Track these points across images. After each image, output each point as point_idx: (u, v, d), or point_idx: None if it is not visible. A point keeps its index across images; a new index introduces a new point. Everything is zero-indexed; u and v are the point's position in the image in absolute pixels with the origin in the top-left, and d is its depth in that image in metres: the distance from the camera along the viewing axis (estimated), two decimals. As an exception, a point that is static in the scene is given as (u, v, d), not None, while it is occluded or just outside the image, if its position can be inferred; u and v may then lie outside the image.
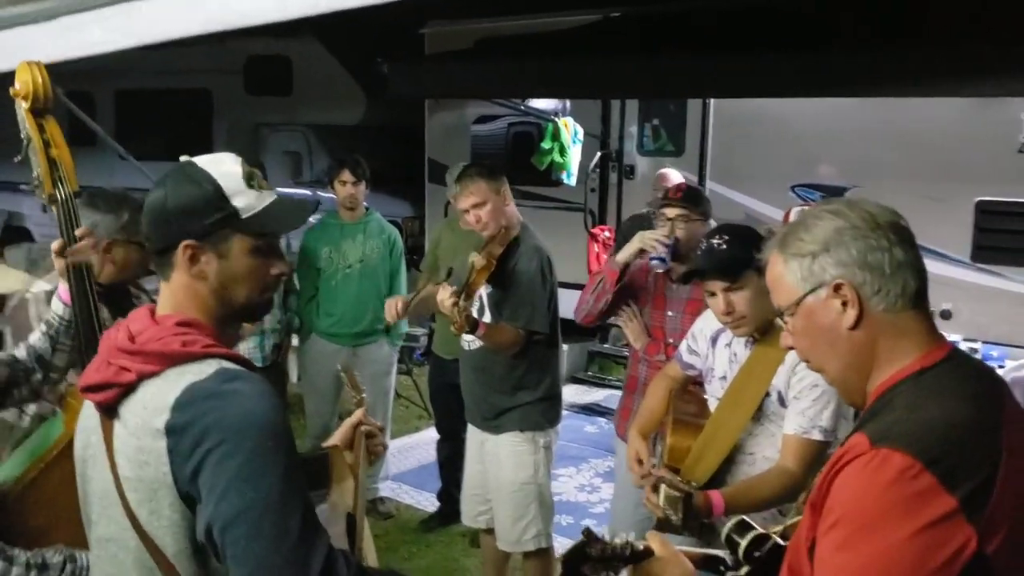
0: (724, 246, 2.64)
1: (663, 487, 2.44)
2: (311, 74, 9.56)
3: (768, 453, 2.62)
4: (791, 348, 1.63)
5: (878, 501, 1.31)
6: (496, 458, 3.76)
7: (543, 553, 3.81)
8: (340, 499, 1.82)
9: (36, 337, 2.39)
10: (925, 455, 1.31)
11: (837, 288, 1.48)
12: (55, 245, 2.35)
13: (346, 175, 5.02)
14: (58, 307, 2.38)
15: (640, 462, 2.88)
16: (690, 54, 4.72)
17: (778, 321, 1.64)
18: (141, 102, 10.23)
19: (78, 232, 2.33)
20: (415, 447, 6.49)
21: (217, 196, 1.52)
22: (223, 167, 1.57)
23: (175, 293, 1.55)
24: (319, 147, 9.97)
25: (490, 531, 3.93)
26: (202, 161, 1.57)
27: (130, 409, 1.45)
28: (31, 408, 2.63)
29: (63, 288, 2.37)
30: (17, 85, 2.31)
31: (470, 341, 3.75)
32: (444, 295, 3.45)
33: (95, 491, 1.54)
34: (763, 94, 5.58)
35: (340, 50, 9.16)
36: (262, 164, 4.88)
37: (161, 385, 1.43)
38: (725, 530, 1.83)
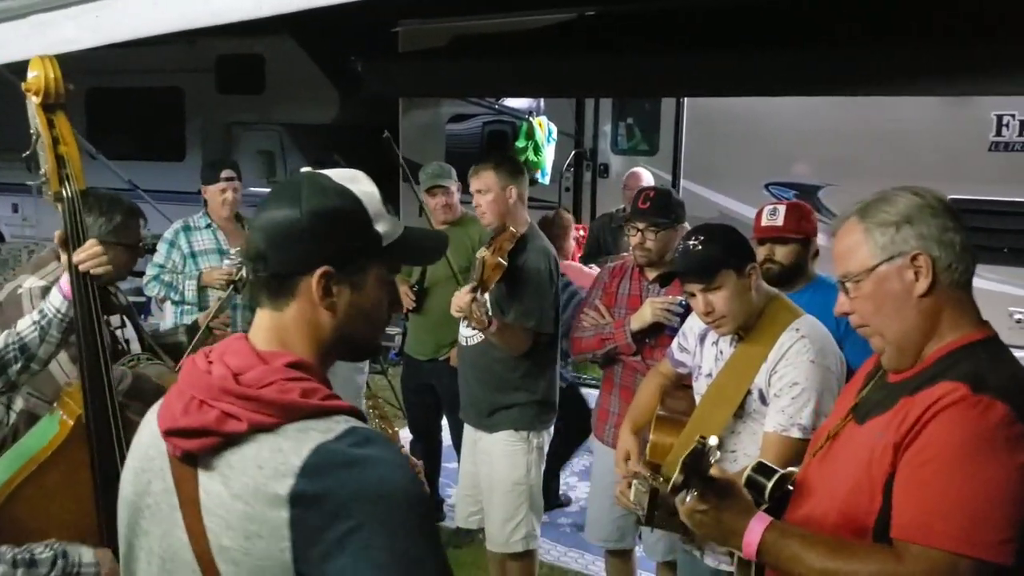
0: (700, 247, 2.64)
1: (635, 483, 2.47)
2: (284, 72, 9.50)
3: (750, 451, 2.62)
4: (846, 315, 1.76)
5: (985, 440, 1.51)
6: (489, 457, 3.72)
7: (529, 554, 3.77)
8: None
9: (25, 324, 2.34)
10: (1018, 407, 1.52)
11: (914, 258, 1.62)
12: (57, 233, 2.32)
13: None
14: (56, 299, 2.34)
15: (628, 460, 2.89)
16: (664, 53, 4.74)
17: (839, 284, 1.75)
18: (112, 101, 10.11)
19: (86, 244, 2.30)
20: (391, 447, 6.46)
21: (363, 218, 1.32)
22: (361, 185, 1.36)
23: (286, 325, 1.32)
24: (292, 146, 9.92)
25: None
26: (338, 177, 1.35)
27: (234, 466, 1.22)
28: (18, 403, 2.60)
29: (65, 280, 2.34)
30: (29, 79, 2.26)
31: (468, 337, 3.71)
32: (461, 292, 3.43)
33: (154, 550, 1.31)
34: (737, 93, 5.61)
35: (313, 48, 9.09)
36: (235, 163, 4.83)
37: (280, 442, 1.21)
38: (747, 472, 1.87)
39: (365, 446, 1.20)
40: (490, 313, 3.46)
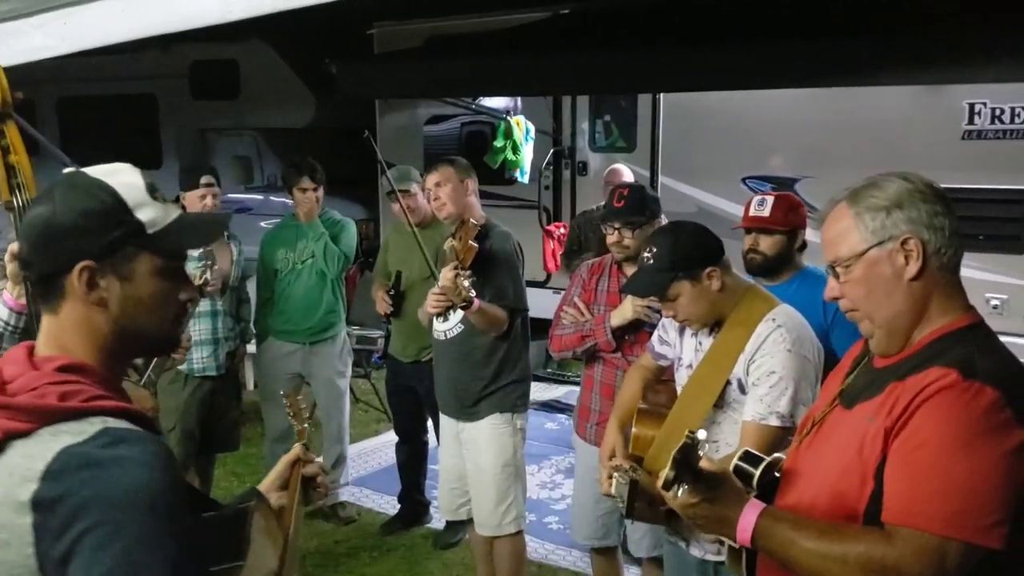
0: (651, 261, 2.69)
1: (615, 476, 2.49)
2: (258, 77, 9.45)
3: (731, 440, 2.64)
4: (836, 299, 1.76)
5: (975, 426, 1.52)
6: (476, 444, 3.79)
7: (519, 535, 3.86)
8: (262, 562, 1.60)
9: None
10: (1007, 393, 1.53)
11: (904, 242, 1.63)
12: (12, 247, 2.30)
13: (306, 182, 4.98)
14: (2, 311, 2.33)
15: (613, 455, 2.91)
16: (639, 49, 4.75)
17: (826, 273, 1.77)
18: (84, 109, 10.04)
19: None
20: (375, 451, 6.46)
21: (118, 208, 1.32)
22: (122, 177, 1.35)
23: (64, 328, 1.32)
24: (269, 151, 9.87)
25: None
26: (96, 171, 1.36)
27: None
28: None
29: (7, 293, 2.32)
30: None
31: (447, 331, 3.78)
32: (444, 271, 3.56)
33: None
34: (713, 87, 5.62)
35: (287, 52, 9.07)
36: (214, 169, 4.81)
37: (31, 447, 1.18)
38: (734, 461, 1.87)
39: (114, 447, 1.18)
40: (472, 291, 3.53)
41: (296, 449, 1.95)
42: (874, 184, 1.71)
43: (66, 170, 1.39)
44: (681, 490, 1.71)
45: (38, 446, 1.18)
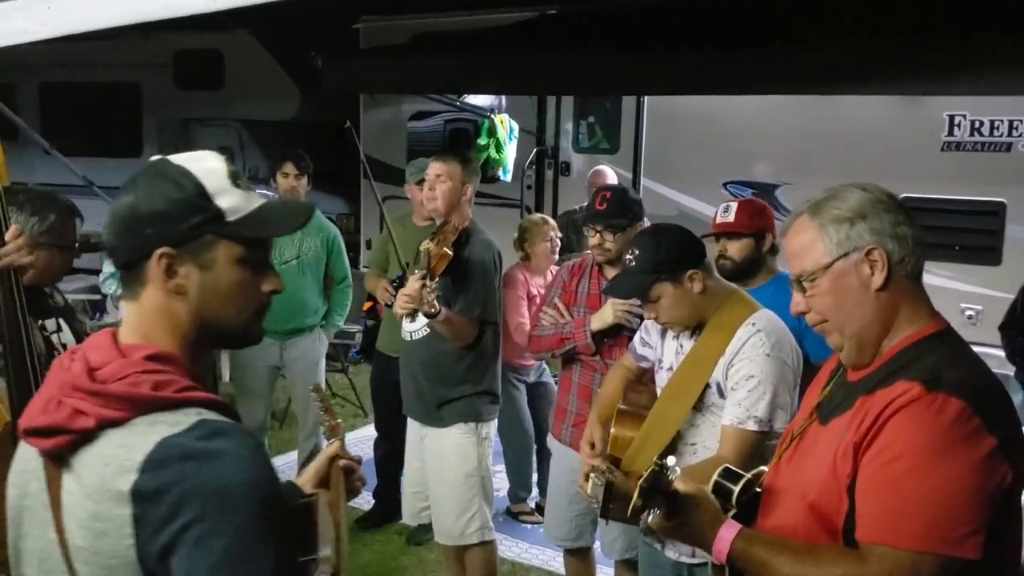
0: (634, 263, 2.71)
1: (591, 476, 2.50)
2: (243, 68, 9.39)
3: (710, 443, 2.66)
4: (802, 314, 1.75)
5: (942, 437, 1.51)
6: (439, 452, 3.73)
7: (488, 545, 3.80)
8: (326, 555, 1.64)
9: None
10: (974, 402, 1.52)
11: (869, 253, 1.63)
12: (10, 233, 2.26)
13: (289, 167, 4.98)
14: None
15: (593, 446, 2.94)
16: (625, 52, 4.76)
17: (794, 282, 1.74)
18: (66, 96, 9.95)
19: (8, 235, 2.22)
20: (351, 445, 6.30)
21: (199, 195, 1.30)
22: (204, 164, 1.33)
23: (146, 316, 1.31)
24: (252, 143, 9.81)
25: None
26: (179, 158, 1.34)
27: (86, 463, 1.20)
28: None
29: None
30: None
31: (413, 332, 3.72)
32: (411, 280, 3.49)
33: (32, 551, 1.29)
34: (697, 92, 5.65)
35: (273, 44, 9.01)
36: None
37: (127, 437, 1.19)
38: (714, 478, 1.87)
39: (212, 439, 1.18)
40: (436, 304, 3.49)
41: (336, 445, 1.97)
42: (835, 196, 1.70)
43: (153, 158, 1.38)
44: (652, 516, 1.71)
45: (134, 436, 1.19)
